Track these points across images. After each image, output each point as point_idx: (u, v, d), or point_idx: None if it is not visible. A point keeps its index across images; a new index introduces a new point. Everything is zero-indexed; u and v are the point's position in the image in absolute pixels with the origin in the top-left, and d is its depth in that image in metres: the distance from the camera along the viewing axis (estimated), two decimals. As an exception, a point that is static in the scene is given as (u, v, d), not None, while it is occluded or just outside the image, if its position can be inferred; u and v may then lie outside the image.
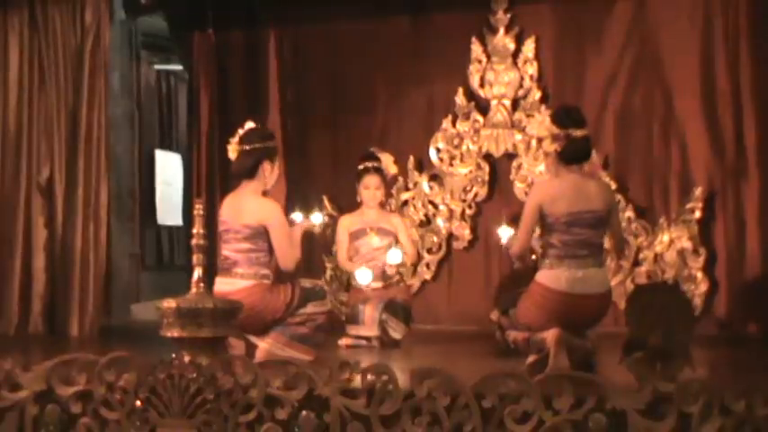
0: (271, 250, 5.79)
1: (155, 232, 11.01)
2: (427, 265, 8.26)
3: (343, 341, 6.70)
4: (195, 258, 4.70)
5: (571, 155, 5.46)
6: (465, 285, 8.20)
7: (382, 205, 7.38)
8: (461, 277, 8.25)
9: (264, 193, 5.91)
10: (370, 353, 6.51)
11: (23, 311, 7.92)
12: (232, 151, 5.89)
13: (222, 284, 5.73)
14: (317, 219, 6.24)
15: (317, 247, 8.24)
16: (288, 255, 5.76)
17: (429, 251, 8.25)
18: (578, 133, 5.44)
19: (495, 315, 6.02)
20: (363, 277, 6.92)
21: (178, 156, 11.00)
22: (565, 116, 5.55)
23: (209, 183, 8.70)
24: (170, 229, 11.08)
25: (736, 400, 3.88)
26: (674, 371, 4.07)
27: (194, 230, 4.73)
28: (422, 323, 7.65)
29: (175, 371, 4.41)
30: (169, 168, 11.03)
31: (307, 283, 5.91)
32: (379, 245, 7.11)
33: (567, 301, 5.31)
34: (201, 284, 4.65)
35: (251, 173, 5.83)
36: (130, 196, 10.11)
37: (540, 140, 5.78)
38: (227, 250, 5.83)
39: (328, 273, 8.37)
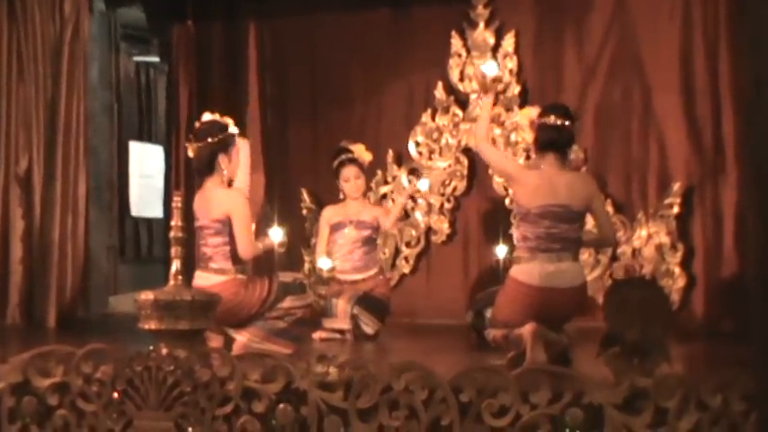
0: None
1: (133, 224, 10.99)
2: (406, 259, 8.26)
3: (317, 334, 6.70)
4: (173, 251, 4.69)
5: (543, 142, 5.46)
6: (443, 279, 8.20)
7: (365, 195, 7.40)
8: (440, 271, 8.26)
9: (230, 184, 5.90)
10: (347, 346, 6.52)
11: (0, 303, 7.90)
12: (190, 150, 5.89)
13: (199, 279, 5.75)
14: (277, 235, 6.05)
15: (295, 240, 8.25)
16: (246, 244, 5.74)
17: (408, 245, 8.25)
18: (552, 120, 5.45)
19: (469, 317, 6.04)
20: (324, 264, 6.71)
21: (158, 147, 10.97)
22: (549, 107, 5.60)
23: (189, 175, 8.66)
24: (148, 221, 11.05)
25: (713, 395, 3.90)
26: (650, 366, 4.09)
27: (172, 223, 4.71)
28: (400, 317, 7.65)
29: (153, 363, 4.41)
30: (149, 160, 11.00)
31: (287, 277, 5.91)
32: (356, 237, 7.12)
33: (540, 296, 5.31)
34: (179, 277, 4.64)
35: (209, 168, 5.82)
36: (109, 188, 10.08)
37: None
38: (202, 246, 5.84)
39: (306, 266, 8.37)
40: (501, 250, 6.20)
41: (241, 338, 5.71)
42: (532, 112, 5.66)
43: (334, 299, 6.87)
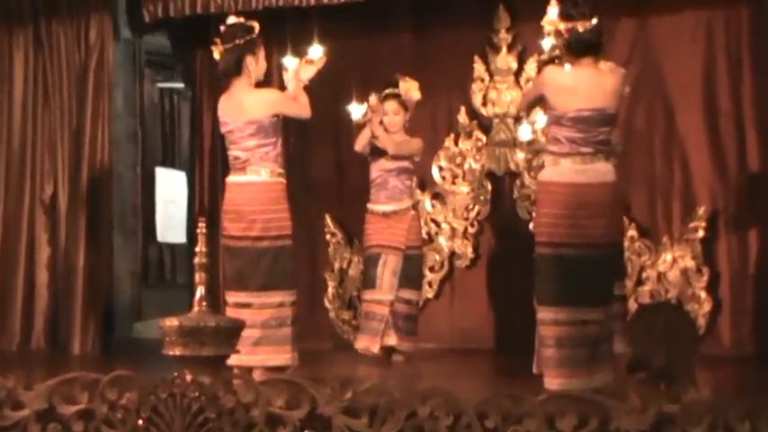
0: (278, 141, 5.95)
1: (157, 250, 11.02)
2: (429, 284, 8.22)
3: (361, 345, 6.92)
4: (198, 277, 4.68)
5: (579, 48, 5.41)
6: (467, 304, 8.17)
7: (406, 130, 7.39)
8: (463, 296, 8.22)
9: (257, 86, 5.98)
10: (372, 369, 6.51)
11: (26, 328, 7.94)
12: (216, 52, 5.94)
13: (237, 180, 5.89)
14: (317, 52, 6.19)
15: (318, 267, 8.29)
16: (300, 109, 6.06)
17: (431, 269, 8.21)
18: (582, 26, 5.37)
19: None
20: (355, 111, 7.13)
21: (182, 173, 11.02)
22: (571, 8, 5.46)
23: (212, 201, 8.68)
24: (172, 246, 11.09)
25: (741, 420, 3.87)
26: (678, 391, 4.06)
27: (197, 249, 4.72)
28: (424, 341, 7.63)
29: (177, 390, 4.40)
30: (172, 186, 11.04)
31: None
32: (391, 167, 7.21)
33: (573, 192, 5.32)
34: (204, 303, 4.64)
35: (236, 70, 5.90)
36: (133, 214, 10.11)
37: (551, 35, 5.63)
38: (235, 150, 5.91)
39: (330, 291, 8.37)
40: (524, 131, 6.21)
41: (275, 362, 5.67)
42: (552, 14, 5.53)
43: (378, 269, 7.00)
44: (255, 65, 5.90)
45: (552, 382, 5.29)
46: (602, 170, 5.39)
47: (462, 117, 8.22)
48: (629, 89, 6.91)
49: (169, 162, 11.25)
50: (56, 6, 8.11)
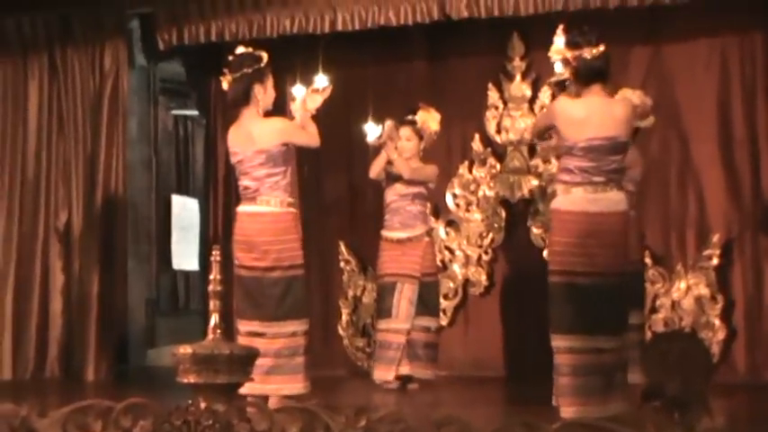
0: (287, 170, 5.94)
1: (170, 277, 11.02)
2: (444, 311, 8.20)
3: (380, 376, 6.96)
4: (212, 305, 4.68)
5: (589, 74, 5.42)
6: (481, 331, 8.16)
7: (419, 157, 7.42)
8: (477, 323, 8.21)
9: (267, 115, 6.00)
10: (387, 397, 6.49)
11: (40, 356, 7.95)
12: (225, 82, 5.95)
13: (248, 210, 5.89)
14: (322, 81, 6.17)
15: (332, 294, 8.29)
16: (309, 139, 6.04)
17: (445, 297, 8.20)
18: (589, 53, 5.39)
19: None
20: (371, 132, 7.19)
21: (196, 200, 11.04)
22: (577, 36, 5.47)
23: (227, 228, 8.69)
24: (186, 273, 11.09)
25: (756, 449, 3.86)
26: (692, 420, 4.04)
27: (211, 276, 4.71)
28: (438, 369, 7.61)
29: (191, 417, 4.39)
30: (187, 213, 11.06)
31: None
32: (405, 192, 7.23)
33: (587, 220, 5.31)
34: (218, 330, 4.64)
35: (245, 99, 5.91)
36: (147, 241, 10.13)
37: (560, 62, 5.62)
38: (245, 180, 5.93)
39: (344, 318, 8.36)
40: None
41: (273, 399, 5.65)
42: (559, 43, 5.55)
43: (394, 299, 7.05)
44: (264, 94, 5.91)
45: (567, 411, 5.28)
46: (615, 199, 5.39)
47: (476, 144, 8.23)
48: (653, 120, 6.97)
49: (183, 189, 11.26)
50: (70, 33, 8.17)
